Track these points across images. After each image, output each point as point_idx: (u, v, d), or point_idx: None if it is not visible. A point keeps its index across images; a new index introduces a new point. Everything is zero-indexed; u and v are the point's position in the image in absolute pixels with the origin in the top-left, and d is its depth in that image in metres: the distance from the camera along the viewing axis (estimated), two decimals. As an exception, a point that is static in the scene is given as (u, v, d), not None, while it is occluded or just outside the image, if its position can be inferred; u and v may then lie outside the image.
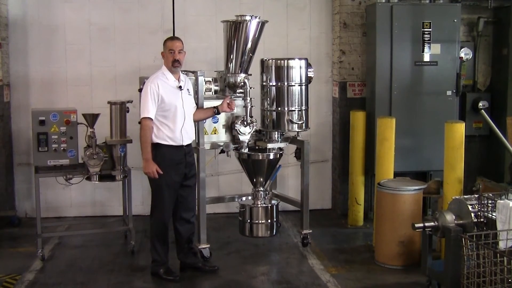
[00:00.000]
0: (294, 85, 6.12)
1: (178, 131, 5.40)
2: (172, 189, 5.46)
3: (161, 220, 5.50)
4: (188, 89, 5.57)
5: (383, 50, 6.95)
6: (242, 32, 6.04)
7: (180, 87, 5.45)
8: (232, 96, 6.13)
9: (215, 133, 6.15)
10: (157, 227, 5.52)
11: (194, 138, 5.70)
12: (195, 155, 5.90)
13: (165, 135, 5.37)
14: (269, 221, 6.19)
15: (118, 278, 5.57)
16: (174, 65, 5.40)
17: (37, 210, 6.03)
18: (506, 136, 6.19)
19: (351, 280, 5.52)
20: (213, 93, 6.26)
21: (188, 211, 5.64)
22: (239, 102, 6.20)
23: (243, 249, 6.36)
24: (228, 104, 5.78)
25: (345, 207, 7.43)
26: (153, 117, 5.32)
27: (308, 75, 6.26)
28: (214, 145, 6.16)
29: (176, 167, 5.43)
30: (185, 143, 5.47)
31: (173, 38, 5.63)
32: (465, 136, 5.76)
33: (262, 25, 6.13)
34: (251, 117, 6.11)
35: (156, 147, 5.37)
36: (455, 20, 6.99)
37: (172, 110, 5.37)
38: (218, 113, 5.81)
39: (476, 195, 4.94)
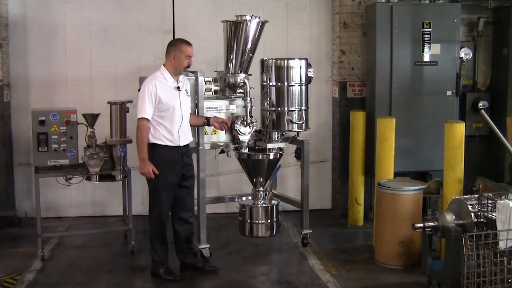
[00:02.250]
0: (294, 85, 6.11)
1: (176, 132, 5.40)
2: (170, 190, 5.46)
3: (159, 220, 5.49)
4: (186, 90, 5.56)
5: (383, 50, 6.94)
6: (242, 32, 6.04)
7: (178, 87, 5.44)
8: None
9: (215, 133, 6.14)
10: (156, 228, 5.52)
11: (192, 139, 5.67)
12: (195, 155, 5.91)
13: (162, 136, 5.36)
14: (269, 221, 6.19)
15: (118, 278, 5.57)
16: (185, 69, 5.46)
17: (37, 210, 6.03)
18: (506, 136, 6.19)
19: (351, 280, 5.52)
20: (213, 93, 6.26)
21: (186, 212, 5.64)
22: (239, 102, 6.20)
23: (243, 249, 6.36)
24: (221, 123, 5.79)
25: (345, 207, 7.43)
26: (149, 118, 5.31)
27: (308, 75, 6.26)
28: (214, 145, 6.16)
29: (173, 168, 5.42)
30: (182, 144, 5.47)
31: (189, 43, 5.49)
32: (465, 136, 5.76)
33: (262, 25, 6.13)
34: (251, 117, 6.11)
35: (153, 147, 5.36)
36: (455, 20, 6.98)
37: (170, 111, 5.36)
38: (208, 124, 5.81)
39: (476, 195, 4.93)
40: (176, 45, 5.45)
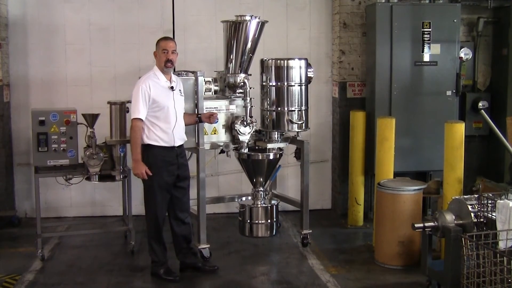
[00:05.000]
0: (294, 85, 6.12)
1: (170, 132, 5.38)
2: (164, 190, 5.45)
3: (155, 221, 5.49)
4: (180, 90, 5.56)
5: (383, 50, 6.94)
6: (242, 32, 6.04)
7: (172, 87, 5.42)
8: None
9: (215, 133, 6.15)
10: (152, 228, 5.52)
11: (186, 139, 5.65)
12: (195, 155, 5.91)
13: (156, 136, 5.34)
14: (269, 221, 6.20)
15: (118, 278, 5.57)
16: (166, 65, 5.38)
17: (37, 210, 6.03)
18: (506, 136, 6.20)
19: (351, 280, 5.52)
20: (213, 93, 6.27)
21: (183, 212, 5.64)
22: (239, 102, 6.21)
23: (243, 249, 6.36)
24: (209, 118, 5.74)
25: (345, 207, 7.43)
26: (143, 118, 5.30)
27: (308, 75, 6.26)
28: (214, 145, 6.16)
29: (168, 168, 5.41)
30: (176, 144, 5.46)
31: (167, 38, 5.60)
32: (465, 136, 5.76)
33: (262, 25, 6.13)
34: (251, 117, 6.11)
35: (148, 148, 5.36)
36: (455, 20, 6.99)
37: (164, 111, 5.35)
38: (201, 121, 5.80)
39: (476, 195, 4.94)
40: (156, 43, 5.51)
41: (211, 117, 5.74)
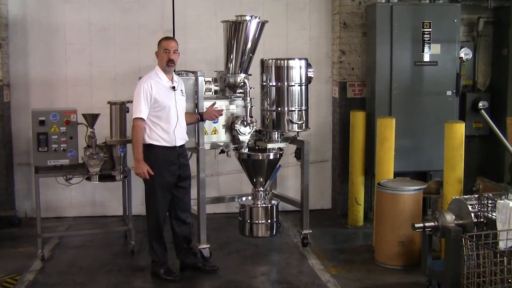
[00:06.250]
0: (294, 85, 6.12)
1: (171, 132, 5.39)
2: (166, 190, 5.45)
3: (156, 221, 5.49)
4: (181, 90, 5.56)
5: (383, 50, 6.95)
6: (242, 32, 6.04)
7: (173, 87, 5.43)
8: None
9: (215, 133, 6.15)
10: (153, 228, 5.52)
11: (188, 139, 5.66)
12: (195, 155, 5.91)
13: (158, 136, 5.35)
14: (269, 221, 6.19)
15: (118, 278, 5.57)
16: (168, 64, 5.39)
17: (37, 210, 6.03)
18: (506, 136, 6.20)
19: (351, 280, 5.52)
20: (213, 93, 6.27)
21: (183, 212, 5.64)
22: (239, 102, 6.21)
23: (243, 249, 6.36)
24: (212, 113, 5.76)
25: (345, 207, 7.43)
26: (145, 118, 5.31)
27: (308, 75, 6.26)
28: (214, 145, 6.16)
29: (169, 168, 5.42)
30: (178, 144, 5.46)
31: (168, 38, 5.62)
32: (465, 136, 5.76)
33: (262, 25, 6.13)
34: (251, 117, 6.11)
35: (149, 147, 5.36)
36: (455, 20, 6.99)
37: (166, 111, 5.35)
38: (202, 119, 5.80)
39: (476, 195, 4.94)
40: (158, 43, 5.52)
41: (214, 114, 5.77)
